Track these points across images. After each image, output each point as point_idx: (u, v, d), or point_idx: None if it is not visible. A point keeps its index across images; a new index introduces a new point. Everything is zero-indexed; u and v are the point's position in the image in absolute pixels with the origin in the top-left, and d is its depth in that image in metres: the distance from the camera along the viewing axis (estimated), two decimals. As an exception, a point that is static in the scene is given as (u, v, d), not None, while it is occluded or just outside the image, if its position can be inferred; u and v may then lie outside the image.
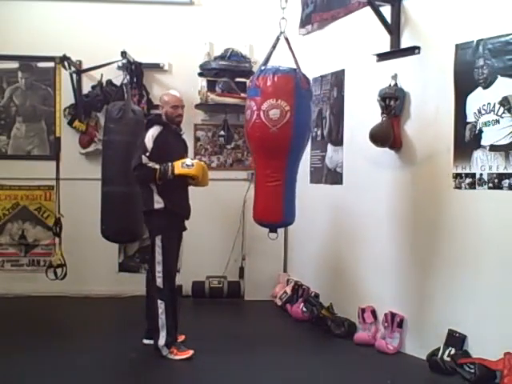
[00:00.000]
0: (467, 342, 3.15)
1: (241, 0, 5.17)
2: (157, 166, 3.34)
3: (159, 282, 3.41)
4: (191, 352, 3.40)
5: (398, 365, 3.40)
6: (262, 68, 3.32)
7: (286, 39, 3.38)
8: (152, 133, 3.43)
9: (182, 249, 3.74)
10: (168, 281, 3.42)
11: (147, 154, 3.35)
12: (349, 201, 4.12)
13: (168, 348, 3.39)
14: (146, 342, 3.61)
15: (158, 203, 3.42)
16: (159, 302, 3.40)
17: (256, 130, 3.26)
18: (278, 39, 3.41)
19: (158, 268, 3.41)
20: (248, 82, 3.43)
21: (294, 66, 3.38)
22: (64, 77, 4.58)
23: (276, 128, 3.19)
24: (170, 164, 3.36)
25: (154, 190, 3.41)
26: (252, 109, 3.26)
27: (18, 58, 4.89)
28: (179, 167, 3.37)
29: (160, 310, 3.39)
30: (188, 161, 3.43)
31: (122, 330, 4.00)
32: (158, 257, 3.41)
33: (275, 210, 3.35)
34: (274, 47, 3.40)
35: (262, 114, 3.20)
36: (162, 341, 3.38)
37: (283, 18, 3.38)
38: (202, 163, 3.55)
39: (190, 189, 3.64)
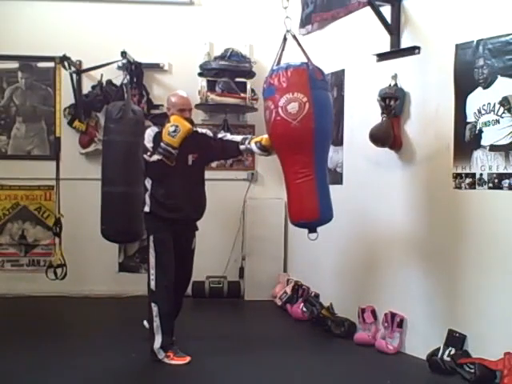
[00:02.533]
0: (467, 342, 3.15)
1: (241, 0, 5.17)
2: (158, 157, 3.32)
3: (152, 284, 3.39)
4: (188, 358, 3.36)
5: (398, 365, 3.40)
6: (274, 68, 3.29)
7: (294, 36, 3.35)
8: (148, 133, 3.42)
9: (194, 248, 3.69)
10: (161, 283, 3.38)
11: (148, 154, 3.34)
12: (349, 201, 4.11)
13: (164, 351, 3.35)
14: (146, 323, 3.57)
15: (147, 206, 3.42)
16: (152, 304, 3.37)
17: (277, 127, 3.17)
18: (285, 39, 3.37)
19: (152, 270, 3.39)
20: (263, 84, 3.36)
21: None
22: (64, 77, 4.58)
23: (297, 122, 3.10)
24: (161, 144, 3.32)
25: (147, 191, 3.41)
26: (270, 108, 3.18)
27: (18, 57, 4.89)
28: (170, 138, 3.31)
29: (154, 313, 3.36)
30: (171, 127, 3.34)
31: (122, 330, 4.00)
32: (151, 259, 3.40)
33: (310, 208, 3.18)
34: (283, 48, 3.36)
35: (280, 110, 3.12)
36: (157, 344, 3.35)
37: (287, 17, 3.35)
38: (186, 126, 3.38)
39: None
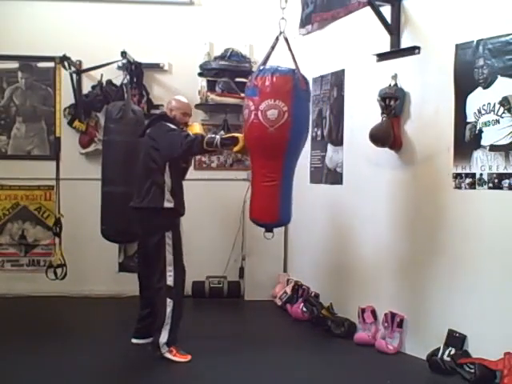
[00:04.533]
0: (467, 341, 3.15)
1: (241, 0, 5.18)
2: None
3: (170, 280, 3.40)
4: (189, 357, 3.38)
5: (397, 365, 3.40)
6: (261, 68, 3.31)
7: (286, 39, 3.38)
8: (172, 127, 3.46)
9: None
10: (178, 280, 3.43)
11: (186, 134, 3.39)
12: (349, 201, 4.12)
13: (168, 346, 3.38)
14: (134, 341, 3.64)
15: (169, 202, 3.42)
16: (168, 300, 3.38)
17: (254, 130, 3.25)
18: (277, 39, 3.40)
19: (169, 267, 3.40)
20: (247, 81, 3.42)
21: (293, 67, 3.37)
22: (64, 77, 4.58)
23: (273, 128, 3.17)
24: (217, 136, 3.40)
25: (165, 188, 3.41)
26: (250, 108, 3.24)
27: (18, 57, 4.89)
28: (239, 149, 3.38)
29: (168, 309, 3.37)
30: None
31: (122, 330, 3.99)
32: (169, 256, 3.40)
33: (270, 210, 3.33)
34: (273, 48, 3.39)
35: (259, 114, 3.18)
36: (163, 339, 3.36)
37: (283, 18, 3.37)
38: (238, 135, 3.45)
39: (190, 187, 3.66)
